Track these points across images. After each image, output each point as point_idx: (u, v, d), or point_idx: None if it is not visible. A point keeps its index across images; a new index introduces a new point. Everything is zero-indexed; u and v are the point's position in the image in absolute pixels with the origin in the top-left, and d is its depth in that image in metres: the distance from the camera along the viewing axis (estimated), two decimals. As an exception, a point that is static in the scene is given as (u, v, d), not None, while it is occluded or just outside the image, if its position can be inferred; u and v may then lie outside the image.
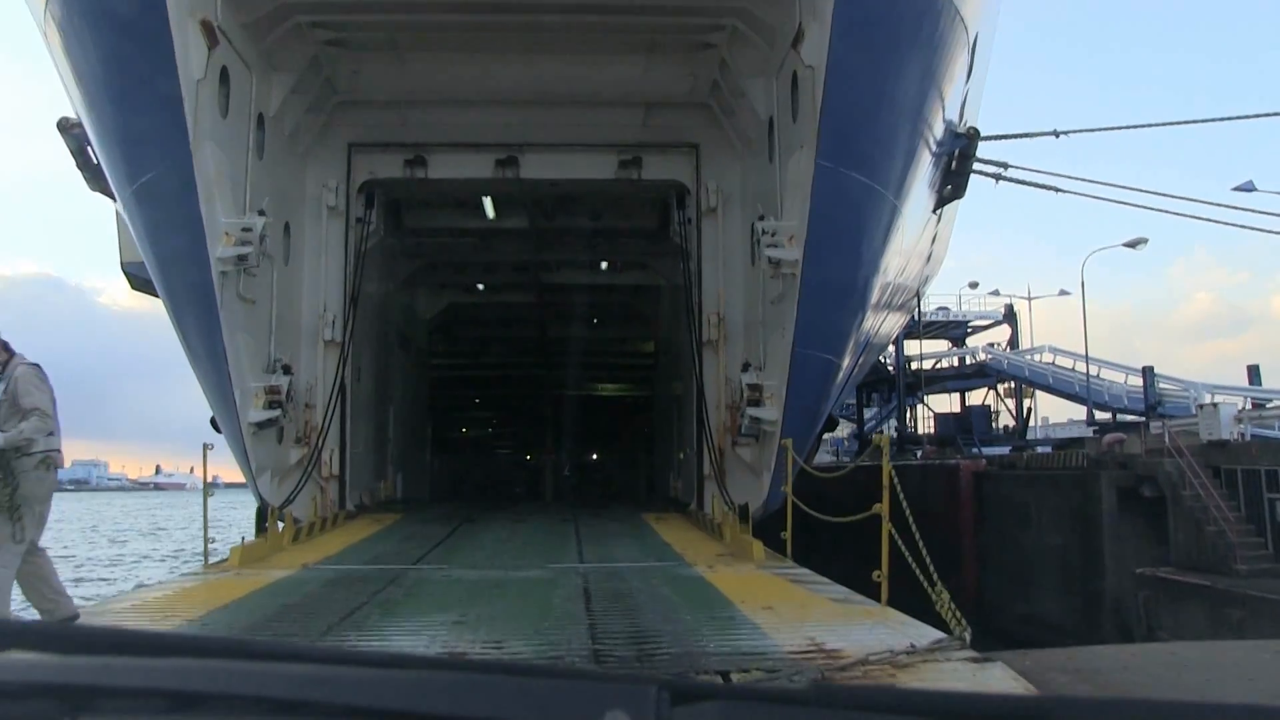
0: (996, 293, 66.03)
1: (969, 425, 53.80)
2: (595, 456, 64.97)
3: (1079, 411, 51.39)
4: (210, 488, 13.80)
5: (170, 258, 15.06)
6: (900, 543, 8.72)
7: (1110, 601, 24.16)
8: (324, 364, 19.24)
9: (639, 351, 41.39)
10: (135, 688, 1.28)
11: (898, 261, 18.04)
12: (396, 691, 1.23)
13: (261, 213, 15.91)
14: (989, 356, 60.43)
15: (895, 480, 8.77)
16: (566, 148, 20.40)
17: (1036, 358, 57.77)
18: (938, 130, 16.50)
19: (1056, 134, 21.43)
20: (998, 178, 23.54)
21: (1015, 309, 64.27)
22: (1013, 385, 58.03)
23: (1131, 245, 47.46)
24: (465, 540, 15.91)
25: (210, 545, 13.48)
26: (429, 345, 35.76)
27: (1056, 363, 55.65)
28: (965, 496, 31.19)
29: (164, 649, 1.39)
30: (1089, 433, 46.65)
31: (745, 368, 17.79)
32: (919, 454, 47.46)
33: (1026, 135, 21.78)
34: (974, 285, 66.31)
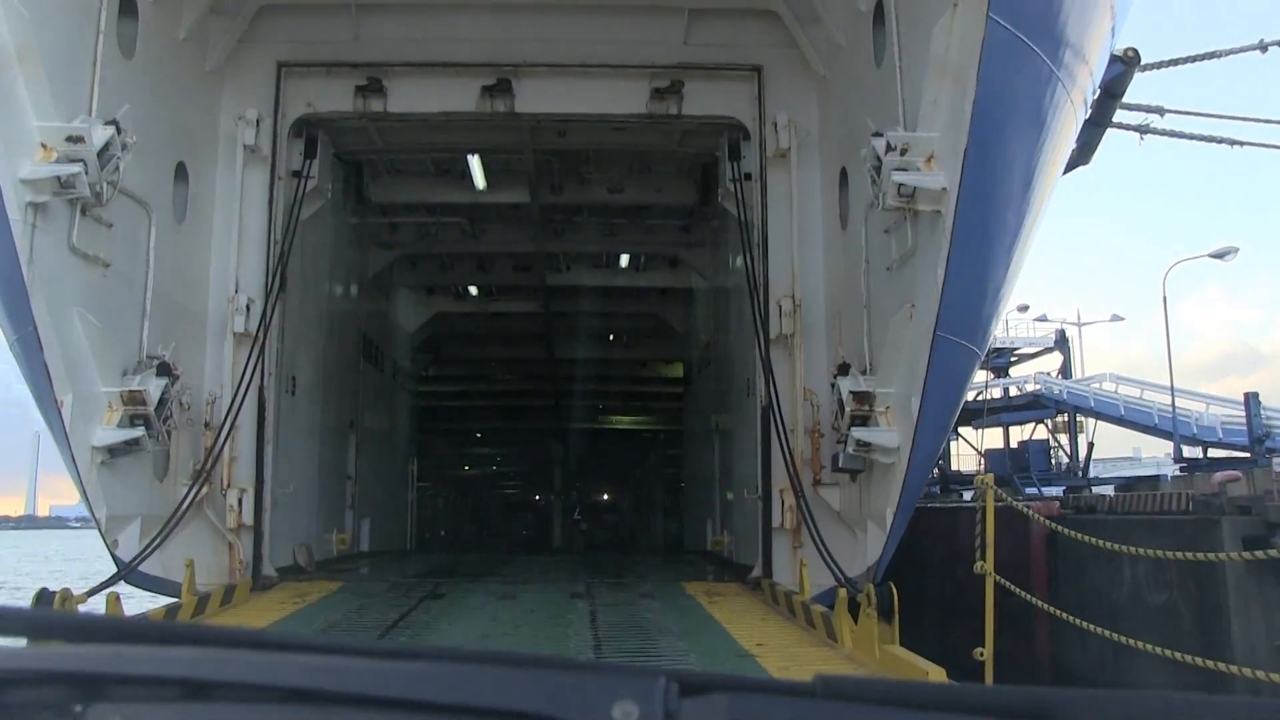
0: (1044, 318, 60.28)
1: (1025, 462, 48.18)
2: (607, 497, 59.42)
3: (1127, 447, 46.05)
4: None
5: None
6: None
7: (1242, 679, 18.77)
8: (233, 367, 13.52)
9: (664, 377, 35.66)
10: (147, 675, 1.28)
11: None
12: (406, 681, 1.23)
13: (114, 125, 10.31)
14: (1041, 386, 54.60)
15: None
16: (579, 70, 14.75)
17: (1096, 387, 52.05)
18: (1096, 50, 11.02)
19: (1264, 46, 15.44)
20: (1144, 130, 17.67)
21: (1067, 335, 58.66)
22: (1066, 418, 52.34)
23: (1219, 256, 41.82)
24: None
25: None
26: (413, 365, 30.01)
27: (1120, 392, 50.01)
28: (1036, 544, 26.05)
29: (175, 638, 1.41)
30: (1171, 470, 41.02)
31: (843, 370, 12.07)
32: (964, 495, 41.91)
33: (1211, 55, 15.72)
34: (1024, 309, 60.40)
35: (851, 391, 11.47)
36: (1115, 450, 55.29)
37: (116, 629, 1.40)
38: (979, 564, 7.28)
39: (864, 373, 11.91)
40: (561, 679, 1.23)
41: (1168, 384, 46.52)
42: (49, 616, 1.59)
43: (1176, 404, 44.71)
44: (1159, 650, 7.15)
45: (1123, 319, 62.82)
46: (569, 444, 46.15)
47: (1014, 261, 10.58)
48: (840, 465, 12.09)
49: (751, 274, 14.30)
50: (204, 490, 13.20)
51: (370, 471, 22.52)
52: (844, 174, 13.40)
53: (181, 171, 13.08)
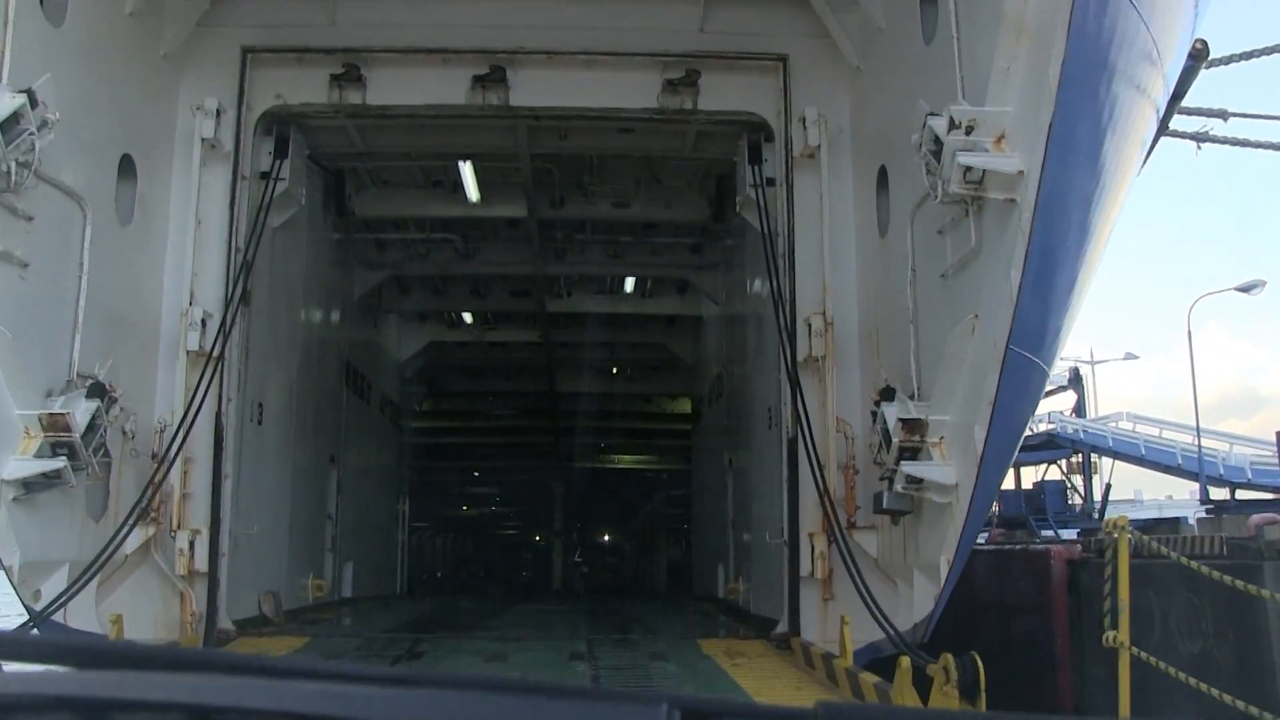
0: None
1: (1040, 503, 46.49)
2: (609, 539, 57.68)
3: (1128, 489, 44.42)
4: None
5: None
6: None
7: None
8: (187, 390, 11.82)
9: (670, 413, 33.92)
10: (152, 701, 1.28)
11: None
12: (411, 708, 1.25)
13: (28, 95, 8.73)
14: (1055, 425, 52.92)
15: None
16: (582, 59, 13.19)
17: (1113, 426, 50.40)
18: (1179, 36, 9.53)
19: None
20: (1201, 138, 16.01)
21: (1080, 373, 57.05)
22: (1080, 459, 50.69)
23: (1245, 289, 40.27)
24: None
25: None
26: (405, 398, 28.29)
27: (1138, 430, 48.45)
28: (1057, 589, 24.38)
29: (180, 664, 1.41)
30: (1196, 511, 39.51)
31: (887, 395, 10.37)
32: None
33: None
34: (1037, 346, 58.75)
35: (900, 419, 9.79)
36: (1115, 492, 53.80)
37: (123, 654, 1.42)
38: (1109, 635, 5.53)
39: (913, 397, 10.25)
40: (565, 706, 1.25)
41: (1178, 423, 45.16)
42: (55, 641, 1.32)
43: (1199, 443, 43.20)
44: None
45: (1137, 357, 61.19)
46: (570, 483, 44.57)
47: (1092, 263, 8.95)
48: (885, 506, 10.39)
49: (776, 289, 12.64)
50: (151, 531, 11.55)
51: (354, 511, 20.76)
52: (883, 174, 11.83)
53: (128, 166, 11.48)
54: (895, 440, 9.80)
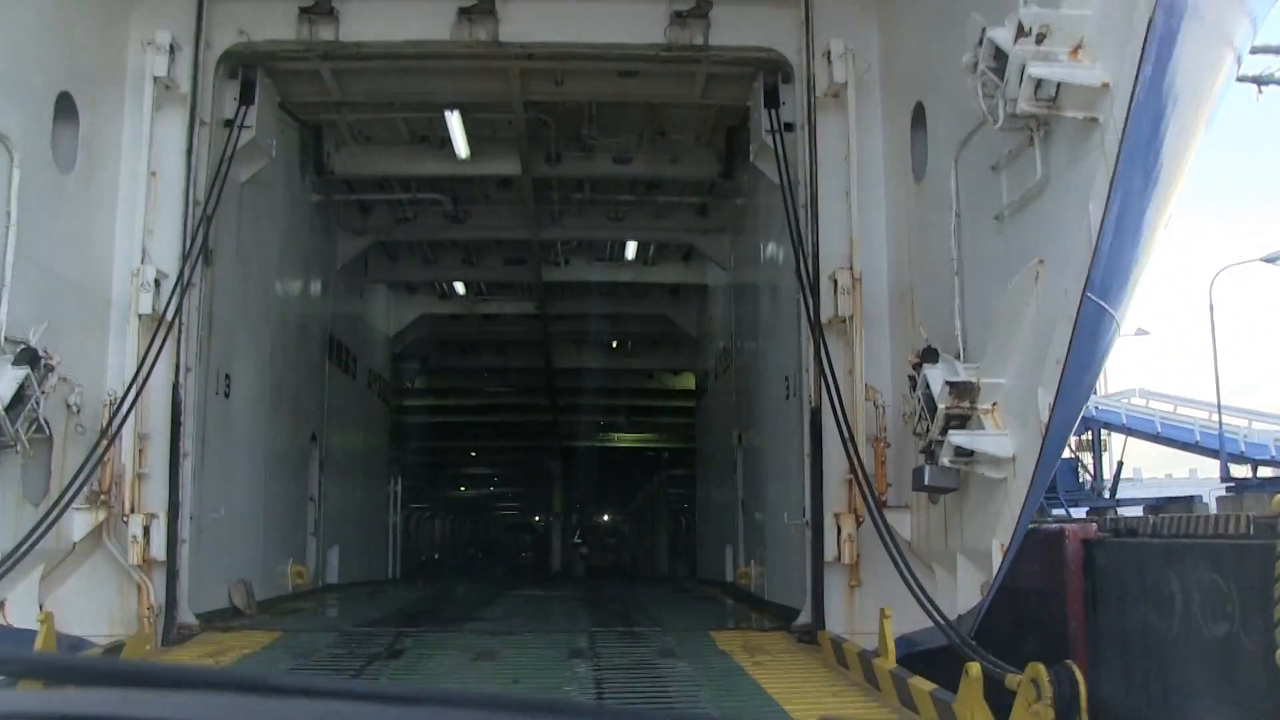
0: (1065, 332, 57.42)
1: (1052, 482, 45.37)
2: (609, 519, 56.67)
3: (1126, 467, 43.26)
4: None
5: None
6: None
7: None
8: (138, 359, 10.54)
9: (672, 389, 32.67)
10: (152, 719, 1.26)
11: None
12: None
13: None
14: (1066, 401, 51.67)
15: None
16: (580, -12, 11.89)
17: (1126, 403, 49.26)
18: None
19: None
20: (1264, 80, 14.91)
21: (1091, 349, 55.83)
22: (1091, 435, 49.63)
23: (1271, 261, 38.93)
24: None
25: None
26: (395, 374, 27.04)
27: (1151, 406, 47.30)
28: (1072, 570, 23.23)
29: (181, 682, 1.39)
30: (1214, 489, 38.62)
31: (930, 357, 9.12)
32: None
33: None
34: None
35: (948, 382, 8.53)
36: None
37: (122, 672, 1.47)
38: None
39: (958, 358, 8.99)
40: None
41: (1191, 399, 43.97)
42: (55, 660, 1.56)
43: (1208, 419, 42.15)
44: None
45: (1148, 333, 59.67)
46: (569, 463, 43.49)
47: (1171, 198, 7.65)
48: (926, 482, 9.13)
49: (798, 244, 11.34)
50: (101, 516, 10.32)
51: (340, 492, 19.58)
52: (918, 112, 10.53)
53: (67, 105, 10.17)
54: (941, 407, 8.56)
